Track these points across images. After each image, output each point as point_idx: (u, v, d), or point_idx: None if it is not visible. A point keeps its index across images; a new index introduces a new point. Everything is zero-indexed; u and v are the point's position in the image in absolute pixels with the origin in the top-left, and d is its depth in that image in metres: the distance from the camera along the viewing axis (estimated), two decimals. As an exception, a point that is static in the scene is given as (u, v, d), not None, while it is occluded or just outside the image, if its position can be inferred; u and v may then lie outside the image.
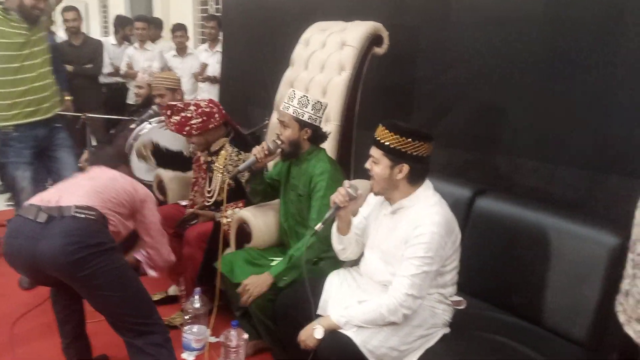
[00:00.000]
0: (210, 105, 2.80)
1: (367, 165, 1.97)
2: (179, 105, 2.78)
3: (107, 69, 5.48)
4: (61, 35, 5.72)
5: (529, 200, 2.34)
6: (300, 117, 2.42)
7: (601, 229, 1.97)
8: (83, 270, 1.90)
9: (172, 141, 3.24)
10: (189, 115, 2.74)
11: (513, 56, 2.63)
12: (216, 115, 2.79)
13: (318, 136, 2.50)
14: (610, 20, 2.26)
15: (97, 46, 5.41)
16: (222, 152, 2.85)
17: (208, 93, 5.20)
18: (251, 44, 4.69)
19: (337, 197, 1.98)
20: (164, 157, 3.18)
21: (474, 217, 2.32)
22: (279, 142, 2.47)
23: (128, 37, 5.86)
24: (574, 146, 2.42)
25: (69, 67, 4.94)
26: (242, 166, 2.53)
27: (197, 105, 2.76)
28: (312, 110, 2.42)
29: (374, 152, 1.94)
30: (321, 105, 2.46)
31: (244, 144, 2.86)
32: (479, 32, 2.79)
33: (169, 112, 2.78)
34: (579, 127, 2.40)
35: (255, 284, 2.27)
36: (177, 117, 2.75)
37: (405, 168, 1.89)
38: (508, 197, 2.35)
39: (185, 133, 2.78)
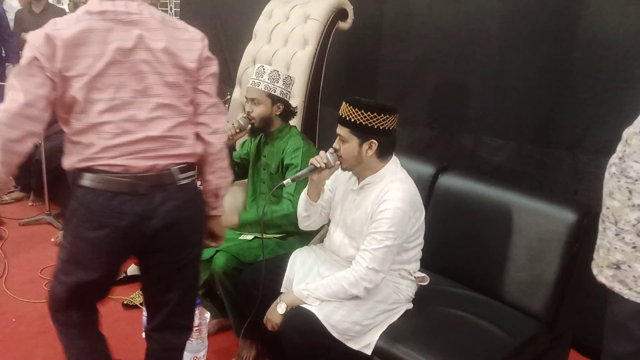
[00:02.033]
0: None
1: (335, 145, 1.94)
2: None
3: None
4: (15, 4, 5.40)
5: (491, 178, 2.37)
6: (272, 92, 2.36)
7: (560, 206, 2.01)
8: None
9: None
10: None
11: (476, 32, 2.64)
12: None
13: (289, 112, 2.46)
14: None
15: (58, 15, 5.11)
16: None
17: None
18: (210, 15, 4.55)
19: (316, 158, 1.95)
20: None
21: (436, 194, 2.33)
22: (250, 119, 2.40)
23: (79, 4, 5.58)
24: (537, 123, 2.46)
25: (26, 36, 4.67)
26: None
27: None
28: (283, 85, 2.37)
29: (341, 130, 1.91)
30: (291, 80, 2.42)
31: None
32: (442, 7, 2.78)
33: None
34: (541, 104, 2.43)
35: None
36: None
37: (375, 144, 1.88)
38: (470, 174, 2.37)
39: None
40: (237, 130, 2.39)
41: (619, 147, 1.43)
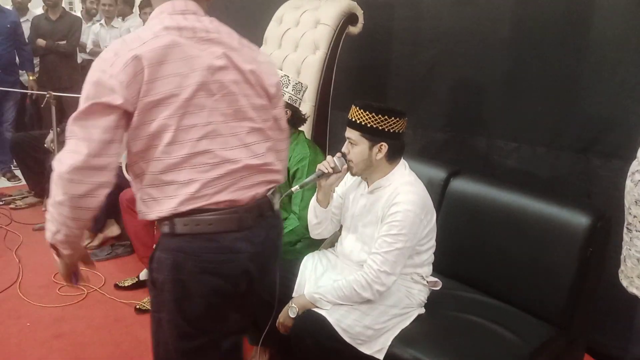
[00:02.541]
0: None
1: (344, 149, 1.94)
2: None
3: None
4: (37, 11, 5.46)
5: (503, 181, 2.35)
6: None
7: (573, 209, 1.99)
8: None
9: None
10: None
11: (487, 35, 2.63)
12: None
13: (297, 118, 2.43)
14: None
15: (74, 23, 5.13)
16: None
17: None
18: (222, 20, 4.57)
19: (324, 164, 1.95)
20: None
21: (448, 198, 2.32)
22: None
23: (91, 10, 5.63)
24: (550, 126, 2.44)
25: (42, 42, 4.73)
26: None
27: None
28: (292, 90, 2.37)
29: (351, 133, 1.92)
30: (302, 87, 2.41)
31: None
32: (452, 11, 2.78)
33: None
34: (556, 108, 2.42)
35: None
36: None
37: (384, 146, 1.88)
38: (482, 178, 2.35)
39: None
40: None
41: None
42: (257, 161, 1.36)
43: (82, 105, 1.19)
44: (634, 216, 1.39)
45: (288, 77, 2.37)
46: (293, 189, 1.99)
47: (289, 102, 2.37)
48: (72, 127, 1.20)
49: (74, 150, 1.18)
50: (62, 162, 1.18)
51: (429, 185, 2.02)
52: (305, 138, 2.51)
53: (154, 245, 1.41)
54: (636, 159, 1.42)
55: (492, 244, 2.16)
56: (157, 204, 1.29)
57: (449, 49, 2.81)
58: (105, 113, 1.18)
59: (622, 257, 1.47)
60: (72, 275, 1.46)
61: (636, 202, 1.38)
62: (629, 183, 1.42)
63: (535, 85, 2.48)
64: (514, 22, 2.54)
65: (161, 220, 1.31)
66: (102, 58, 1.22)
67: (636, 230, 1.38)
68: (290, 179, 2.37)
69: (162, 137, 1.24)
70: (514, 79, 2.56)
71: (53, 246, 1.32)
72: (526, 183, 2.49)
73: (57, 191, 1.20)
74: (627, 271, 1.44)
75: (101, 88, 1.18)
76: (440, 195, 2.31)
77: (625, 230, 1.43)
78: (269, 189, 1.42)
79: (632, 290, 1.42)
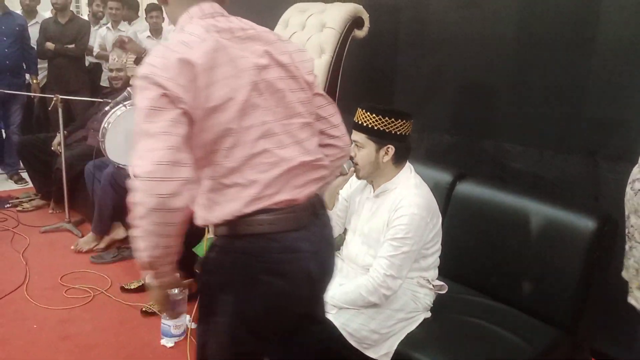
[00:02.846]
0: None
1: (351, 152, 1.95)
2: None
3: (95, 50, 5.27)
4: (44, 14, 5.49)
5: (509, 185, 2.35)
6: None
7: (580, 212, 1.98)
8: None
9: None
10: None
11: (493, 38, 2.63)
12: None
13: None
14: (587, 1, 2.27)
15: (82, 26, 5.16)
16: None
17: None
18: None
19: None
20: None
21: (454, 202, 2.31)
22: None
23: (97, 14, 5.65)
24: (558, 129, 2.44)
25: (50, 45, 4.76)
26: None
27: None
28: None
29: (357, 136, 1.92)
30: None
31: None
32: (458, 14, 2.78)
33: None
34: (563, 110, 2.41)
35: None
36: None
37: (391, 149, 1.89)
38: (488, 182, 2.35)
39: None
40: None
41: None
42: (309, 157, 1.34)
43: (148, 100, 1.15)
44: (632, 225, 1.37)
45: None
46: None
47: None
48: (142, 125, 1.14)
49: (150, 149, 1.12)
50: (140, 165, 1.12)
51: (435, 188, 2.02)
52: None
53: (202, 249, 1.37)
54: (637, 165, 1.38)
55: (498, 248, 2.15)
56: (220, 208, 1.27)
57: (456, 51, 2.81)
58: (173, 108, 1.15)
59: (624, 265, 1.45)
60: (170, 305, 1.42)
61: (635, 211, 1.36)
62: (628, 191, 1.38)
63: (542, 88, 2.47)
64: (519, 24, 2.54)
65: (220, 222, 1.29)
66: (152, 64, 1.17)
67: (636, 242, 1.36)
68: None
69: (223, 141, 1.22)
70: (521, 82, 2.56)
71: (147, 268, 1.25)
72: (534, 186, 2.48)
73: (142, 198, 1.12)
74: (627, 279, 1.42)
75: (157, 87, 1.15)
76: (446, 199, 2.31)
77: (626, 237, 1.40)
78: (320, 186, 1.40)
79: (631, 300, 1.40)
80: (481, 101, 2.76)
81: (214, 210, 1.28)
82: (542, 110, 2.48)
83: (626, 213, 1.40)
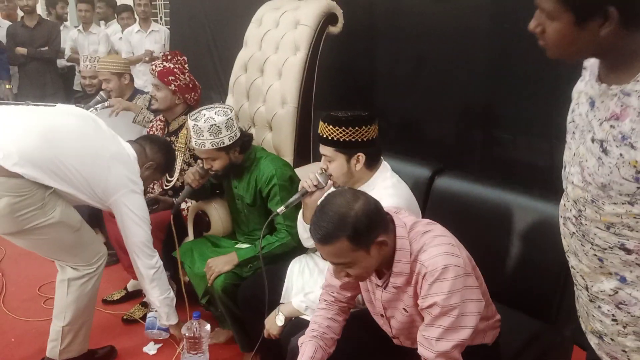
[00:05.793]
0: (198, 85, 2.91)
1: (322, 164, 1.93)
2: (182, 60, 2.86)
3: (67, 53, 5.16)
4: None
5: (488, 178, 2.35)
6: (221, 146, 2.21)
7: (559, 204, 1.99)
8: None
9: (123, 128, 3.11)
10: (180, 71, 2.80)
11: (466, 31, 2.62)
12: (195, 95, 2.86)
13: (245, 144, 2.33)
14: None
15: (52, 28, 5.06)
16: (183, 131, 2.78)
17: (143, 74, 4.68)
18: (201, 24, 4.54)
19: (306, 182, 1.93)
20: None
21: (433, 197, 2.31)
22: (212, 172, 2.34)
23: (61, 16, 5.54)
24: (539, 119, 2.44)
25: (22, 50, 4.65)
26: (180, 197, 2.48)
27: (191, 75, 2.88)
28: (227, 132, 2.20)
29: (325, 150, 1.90)
30: (232, 121, 2.24)
31: None
32: (432, 7, 2.77)
33: (165, 56, 2.85)
34: (548, 98, 2.41)
35: (219, 262, 2.23)
36: (170, 65, 2.80)
37: (362, 157, 1.87)
38: (467, 175, 2.35)
39: (165, 81, 2.75)
40: (199, 176, 2.38)
41: (570, 194, 1.22)
42: None
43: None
44: (572, 267, 1.27)
45: (215, 124, 2.17)
46: (279, 210, 1.97)
47: (230, 142, 2.22)
48: (453, 299, 1.43)
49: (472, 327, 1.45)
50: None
51: (414, 184, 2.01)
52: (264, 153, 2.42)
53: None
54: (564, 197, 1.27)
55: (479, 241, 2.13)
56: None
57: (433, 43, 2.79)
58: None
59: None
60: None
61: (574, 253, 1.24)
62: (562, 227, 1.29)
63: (523, 76, 2.46)
64: (492, 15, 2.54)
65: None
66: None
67: (581, 287, 1.26)
68: (265, 199, 2.32)
69: None
70: (500, 71, 2.55)
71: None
72: (507, 177, 2.49)
73: None
74: (582, 319, 1.34)
75: None
76: (425, 194, 2.30)
77: (571, 274, 1.31)
78: None
79: (590, 342, 1.31)
80: (461, 92, 2.75)
81: None
82: (526, 99, 2.47)
83: (565, 248, 1.30)
